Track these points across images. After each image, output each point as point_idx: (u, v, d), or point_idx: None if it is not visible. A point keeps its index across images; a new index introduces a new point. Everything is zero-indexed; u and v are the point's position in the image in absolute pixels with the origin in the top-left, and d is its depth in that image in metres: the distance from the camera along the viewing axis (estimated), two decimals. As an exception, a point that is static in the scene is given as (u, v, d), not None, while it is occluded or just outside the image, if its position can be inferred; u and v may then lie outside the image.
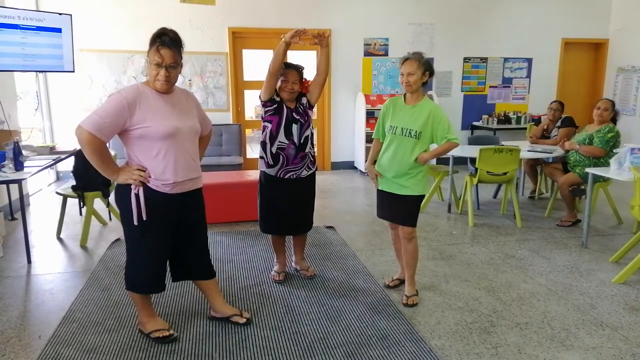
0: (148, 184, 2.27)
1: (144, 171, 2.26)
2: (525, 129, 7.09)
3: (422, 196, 2.91)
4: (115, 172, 2.25)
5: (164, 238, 2.39)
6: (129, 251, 2.42)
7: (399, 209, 2.92)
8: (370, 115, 6.99)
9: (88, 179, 3.98)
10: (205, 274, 2.65)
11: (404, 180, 2.84)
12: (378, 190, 3.02)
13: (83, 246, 4.00)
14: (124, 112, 2.16)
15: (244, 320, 2.68)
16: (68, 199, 4.22)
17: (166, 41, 2.22)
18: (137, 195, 2.26)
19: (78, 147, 3.96)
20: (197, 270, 2.62)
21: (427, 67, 2.76)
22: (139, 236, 2.33)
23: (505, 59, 7.69)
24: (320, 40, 2.90)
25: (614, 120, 4.42)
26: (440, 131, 2.77)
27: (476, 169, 4.55)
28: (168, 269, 2.55)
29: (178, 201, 2.38)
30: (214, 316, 2.73)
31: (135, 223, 2.28)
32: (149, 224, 2.30)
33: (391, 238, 3.21)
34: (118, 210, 2.39)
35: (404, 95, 2.90)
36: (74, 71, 5.18)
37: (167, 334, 2.51)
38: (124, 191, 2.29)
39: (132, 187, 2.25)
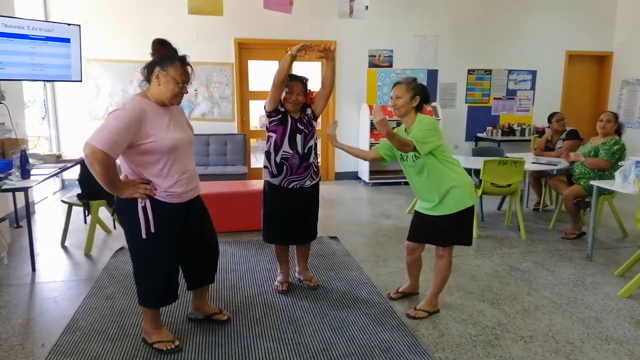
0: (154, 197, 2.28)
1: (148, 184, 2.27)
2: (530, 140, 7.10)
3: (455, 214, 2.74)
4: (120, 188, 2.23)
5: (172, 249, 2.40)
6: (137, 266, 2.40)
7: (430, 228, 2.85)
8: (374, 126, 6.98)
9: (93, 187, 3.98)
10: (211, 279, 2.72)
11: (429, 204, 2.81)
12: (415, 211, 2.95)
13: (87, 254, 4.01)
14: (132, 128, 2.14)
15: (225, 317, 2.77)
16: (73, 207, 4.25)
17: (186, 59, 2.29)
18: (144, 209, 2.26)
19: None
20: (208, 275, 2.69)
21: (417, 91, 2.72)
22: (147, 250, 2.33)
23: (510, 71, 7.72)
24: (326, 54, 2.92)
25: (618, 132, 4.42)
26: (415, 131, 2.68)
27: (480, 181, 4.55)
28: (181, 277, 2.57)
29: (183, 210, 2.39)
30: (193, 315, 2.80)
31: (144, 236, 2.28)
32: (157, 236, 2.30)
33: (405, 259, 3.10)
34: (122, 226, 2.41)
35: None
36: (81, 81, 5.24)
37: (173, 346, 2.49)
38: (127, 205, 2.27)
39: (139, 200, 2.25)
